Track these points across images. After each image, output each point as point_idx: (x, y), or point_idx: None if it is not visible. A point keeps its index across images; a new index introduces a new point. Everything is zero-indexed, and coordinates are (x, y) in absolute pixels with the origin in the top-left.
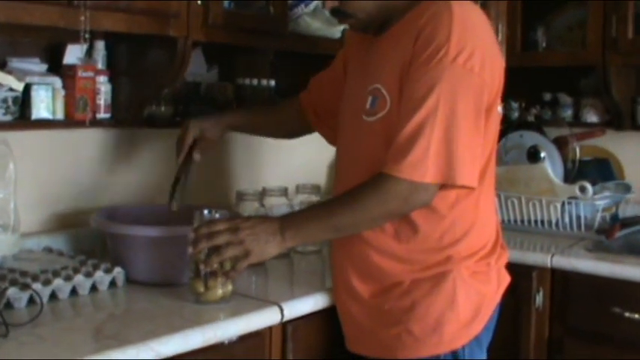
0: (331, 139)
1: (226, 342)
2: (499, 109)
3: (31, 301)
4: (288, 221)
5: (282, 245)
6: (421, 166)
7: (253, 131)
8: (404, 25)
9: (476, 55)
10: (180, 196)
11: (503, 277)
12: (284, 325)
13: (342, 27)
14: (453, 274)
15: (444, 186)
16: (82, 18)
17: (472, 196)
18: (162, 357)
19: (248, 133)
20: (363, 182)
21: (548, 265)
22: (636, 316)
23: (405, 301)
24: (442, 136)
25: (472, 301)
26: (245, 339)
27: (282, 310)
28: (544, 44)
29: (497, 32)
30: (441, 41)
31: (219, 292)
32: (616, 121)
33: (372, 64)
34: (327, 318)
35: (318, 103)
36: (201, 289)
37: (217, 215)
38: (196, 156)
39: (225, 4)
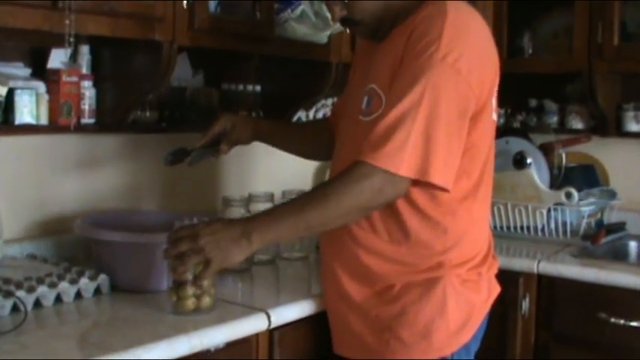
0: None
1: (212, 349)
2: (494, 116)
3: (14, 308)
4: (254, 223)
5: (249, 249)
6: (398, 156)
7: (282, 142)
8: (403, 28)
9: (464, 58)
10: (189, 163)
11: (494, 286)
12: (271, 332)
13: (328, 32)
14: (443, 281)
15: (434, 192)
16: (67, 21)
17: (466, 204)
18: None
19: (276, 145)
20: (333, 177)
21: (535, 271)
22: (622, 321)
23: (395, 306)
24: (422, 130)
25: (462, 310)
26: (231, 346)
27: (269, 317)
28: (530, 50)
29: None
30: (432, 39)
31: (190, 302)
32: (601, 127)
33: (371, 66)
34: (313, 324)
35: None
36: (174, 298)
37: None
38: (223, 147)
39: (212, 8)
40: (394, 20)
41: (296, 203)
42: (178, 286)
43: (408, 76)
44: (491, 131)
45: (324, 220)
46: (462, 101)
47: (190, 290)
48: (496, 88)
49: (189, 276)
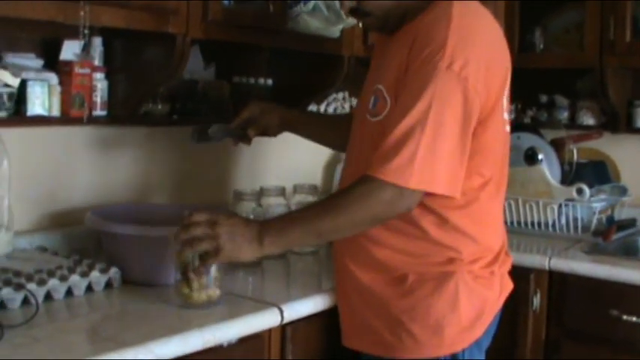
0: None
1: (225, 344)
2: (505, 115)
3: (25, 301)
4: (268, 227)
5: (259, 251)
6: (406, 171)
7: (312, 132)
8: (410, 27)
9: (471, 65)
10: (213, 136)
11: (506, 283)
12: (283, 327)
13: (340, 26)
14: (456, 277)
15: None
16: (82, 13)
17: (478, 202)
18: (161, 359)
19: (304, 135)
20: (346, 186)
21: (546, 267)
22: (634, 318)
23: (408, 300)
24: (430, 142)
25: (474, 305)
26: (244, 341)
27: (281, 312)
28: (541, 46)
29: None
30: (437, 46)
31: (203, 295)
32: (612, 123)
33: (381, 64)
34: (325, 320)
35: None
36: (185, 290)
37: None
38: (250, 132)
39: (225, 0)
40: (403, 16)
41: (308, 212)
42: (189, 279)
43: (414, 86)
44: (503, 130)
45: (335, 229)
46: (469, 109)
47: (202, 282)
48: (507, 87)
49: (195, 263)
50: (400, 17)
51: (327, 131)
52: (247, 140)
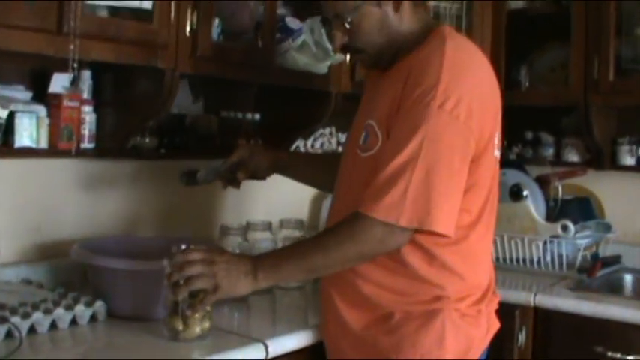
0: None
1: None
2: (496, 152)
3: (8, 334)
4: (262, 262)
5: (254, 285)
6: (397, 209)
7: (302, 176)
8: (404, 64)
9: (463, 103)
10: (202, 180)
11: (493, 322)
12: None
13: (328, 62)
14: (443, 314)
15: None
16: (71, 46)
17: (466, 240)
18: None
19: (295, 178)
20: (337, 222)
21: (531, 303)
22: (618, 355)
23: (394, 336)
24: (422, 180)
25: (460, 343)
26: None
27: (266, 347)
28: (527, 83)
29: None
30: (429, 85)
31: (197, 329)
32: (597, 160)
33: (372, 100)
34: (310, 355)
35: None
36: (180, 326)
37: None
38: (240, 175)
39: (214, 35)
40: (396, 53)
41: (301, 248)
42: (183, 312)
43: (407, 125)
44: (493, 168)
45: (326, 265)
46: (463, 146)
47: (196, 317)
48: (499, 125)
49: (185, 300)
50: (393, 54)
51: (317, 173)
52: (236, 184)
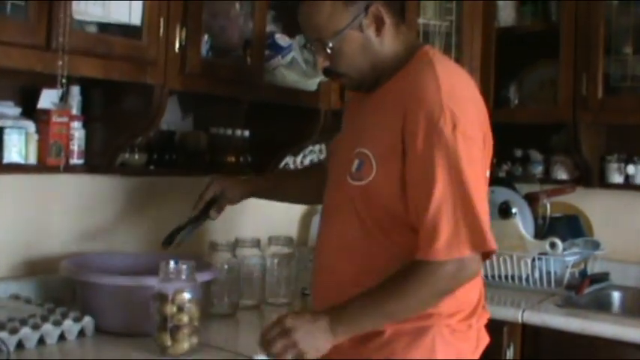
0: None
1: None
2: (487, 173)
3: None
4: (338, 317)
5: (335, 340)
6: (456, 243)
7: (277, 196)
8: (391, 88)
9: (469, 123)
10: (177, 243)
11: (483, 337)
12: None
13: (317, 79)
14: (433, 330)
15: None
16: (60, 62)
17: None
18: None
19: (271, 198)
20: (403, 271)
21: (519, 320)
22: None
23: (384, 352)
24: (463, 207)
25: (450, 358)
26: None
27: None
28: (516, 101)
29: None
30: (435, 112)
31: (186, 345)
32: (585, 178)
33: (360, 124)
34: None
35: None
36: (168, 342)
37: (184, 266)
38: (213, 214)
39: (203, 52)
40: (379, 77)
41: (374, 297)
42: (175, 330)
43: (428, 158)
44: (486, 187)
45: (405, 310)
46: (480, 163)
47: (186, 332)
48: (491, 145)
49: (186, 319)
50: (376, 77)
51: (291, 192)
52: (211, 219)
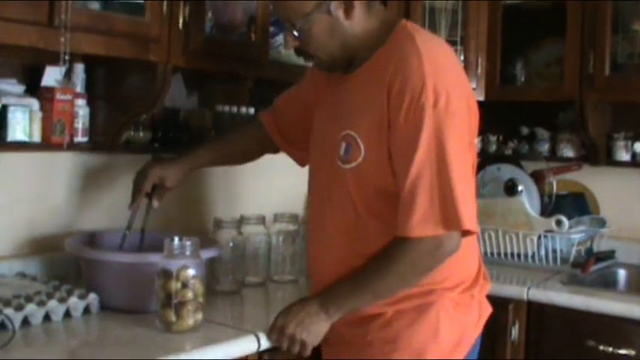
0: (301, 162)
1: None
2: (475, 141)
3: (2, 326)
4: (327, 298)
5: (329, 321)
6: (430, 220)
7: (217, 164)
8: (372, 67)
9: (453, 97)
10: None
11: (485, 308)
12: (260, 355)
13: None
14: (436, 306)
15: None
16: (62, 39)
17: None
18: None
19: (211, 167)
20: (386, 250)
21: (525, 297)
22: (610, 349)
23: (388, 331)
24: (440, 183)
25: (454, 332)
26: None
27: (258, 340)
28: (522, 79)
29: (476, 66)
30: (417, 88)
31: (190, 321)
32: (592, 156)
33: (342, 107)
34: None
35: (285, 125)
36: (173, 318)
37: (188, 243)
38: (155, 203)
39: (207, 29)
40: (353, 56)
41: (360, 277)
42: (179, 306)
43: (408, 135)
44: (474, 156)
45: (389, 289)
46: (463, 138)
47: (190, 309)
48: (477, 113)
49: (190, 296)
50: (348, 58)
51: (229, 157)
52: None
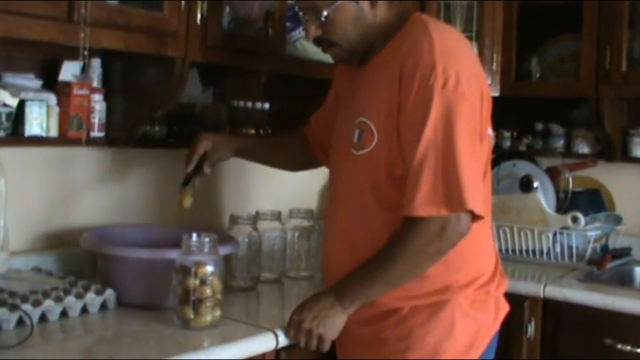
0: None
1: None
2: (489, 131)
3: (20, 322)
4: (341, 290)
5: (345, 313)
6: (434, 200)
7: (260, 158)
8: (385, 56)
9: (463, 80)
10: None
11: (502, 305)
12: (278, 352)
13: None
14: (452, 304)
15: None
16: (82, 34)
17: (471, 232)
18: None
19: (254, 160)
20: (394, 237)
21: (541, 295)
22: (628, 347)
23: (402, 329)
24: (446, 164)
25: (469, 330)
26: None
27: (276, 337)
28: (537, 74)
29: (491, 61)
30: (427, 70)
31: (209, 318)
32: (607, 152)
33: (357, 96)
34: None
35: (321, 139)
36: (191, 315)
37: (206, 239)
38: (206, 169)
39: (224, 24)
40: (368, 49)
41: (372, 266)
42: (198, 303)
43: (416, 115)
44: (489, 146)
45: (400, 275)
46: (472, 121)
47: (208, 305)
48: (490, 102)
49: (208, 292)
50: (367, 48)
51: (272, 155)
52: (206, 174)
